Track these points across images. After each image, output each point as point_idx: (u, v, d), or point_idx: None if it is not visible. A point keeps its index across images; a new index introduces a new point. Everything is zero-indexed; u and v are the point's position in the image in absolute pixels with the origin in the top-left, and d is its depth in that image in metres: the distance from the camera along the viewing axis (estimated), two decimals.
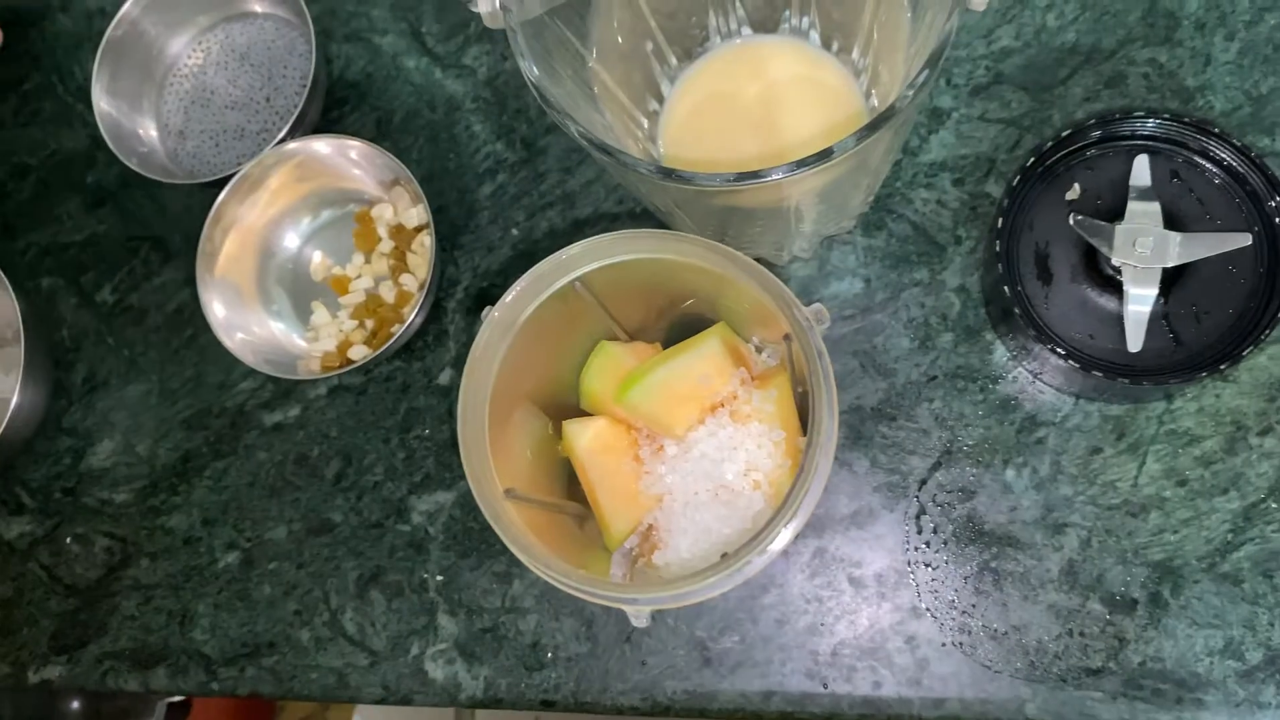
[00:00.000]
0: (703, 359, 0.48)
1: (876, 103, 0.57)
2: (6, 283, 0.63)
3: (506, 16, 0.45)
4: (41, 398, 0.65)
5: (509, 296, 0.44)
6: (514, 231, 0.63)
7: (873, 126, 0.41)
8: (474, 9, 0.45)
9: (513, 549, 0.41)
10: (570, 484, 0.52)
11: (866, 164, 0.48)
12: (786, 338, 0.44)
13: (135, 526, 0.65)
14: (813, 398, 0.41)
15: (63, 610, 0.64)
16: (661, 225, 0.61)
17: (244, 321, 0.61)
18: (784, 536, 0.39)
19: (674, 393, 0.48)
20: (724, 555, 0.43)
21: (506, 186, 0.64)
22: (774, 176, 0.41)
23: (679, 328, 0.54)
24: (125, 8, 0.66)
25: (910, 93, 0.41)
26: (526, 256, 0.63)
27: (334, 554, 0.62)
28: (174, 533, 0.64)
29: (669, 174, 0.43)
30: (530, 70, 0.45)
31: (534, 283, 0.45)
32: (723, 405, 0.49)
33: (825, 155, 0.41)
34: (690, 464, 0.48)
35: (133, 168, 0.64)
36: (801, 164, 0.41)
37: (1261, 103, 0.57)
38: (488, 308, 0.45)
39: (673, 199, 0.49)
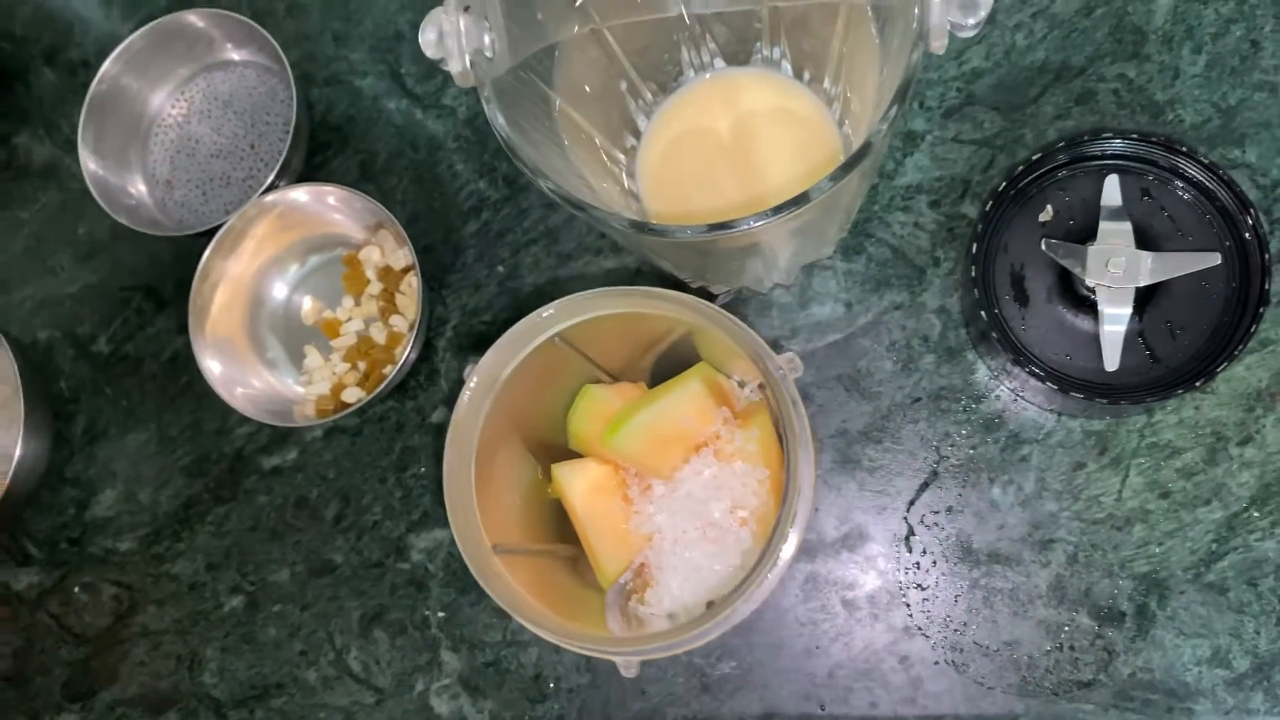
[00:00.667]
0: (685, 401, 0.49)
1: (849, 129, 0.58)
2: (2, 338, 0.64)
3: (477, 74, 0.45)
4: (43, 450, 0.66)
5: (489, 357, 0.45)
6: (500, 269, 0.64)
7: (847, 166, 0.42)
8: (445, 68, 0.45)
9: (505, 608, 0.42)
10: (561, 524, 0.53)
11: (839, 201, 0.49)
12: (761, 385, 0.45)
13: (141, 574, 0.66)
14: (788, 445, 0.41)
15: (74, 659, 0.66)
16: (644, 261, 0.62)
17: (240, 375, 0.62)
18: (767, 583, 0.40)
19: (658, 435, 0.49)
20: (710, 604, 0.44)
21: (491, 224, 0.65)
22: (747, 225, 0.42)
23: (663, 364, 0.55)
24: (106, 65, 0.66)
25: (883, 127, 0.42)
26: (512, 293, 0.64)
27: (337, 594, 0.63)
28: (179, 579, 0.65)
29: (643, 228, 0.44)
30: (501, 126, 0.46)
31: (512, 343, 0.46)
32: (707, 445, 0.50)
33: (801, 200, 0.41)
34: (678, 503, 0.49)
35: (122, 222, 0.64)
36: (777, 210, 0.42)
37: (1230, 114, 0.57)
38: (469, 367, 0.46)
39: (650, 247, 0.50)
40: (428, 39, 0.46)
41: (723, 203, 0.57)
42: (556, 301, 0.46)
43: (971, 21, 0.41)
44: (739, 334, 0.43)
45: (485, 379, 0.46)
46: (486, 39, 0.45)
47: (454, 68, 0.45)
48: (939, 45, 0.42)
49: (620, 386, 0.53)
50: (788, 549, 0.40)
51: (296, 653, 0.63)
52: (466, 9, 0.45)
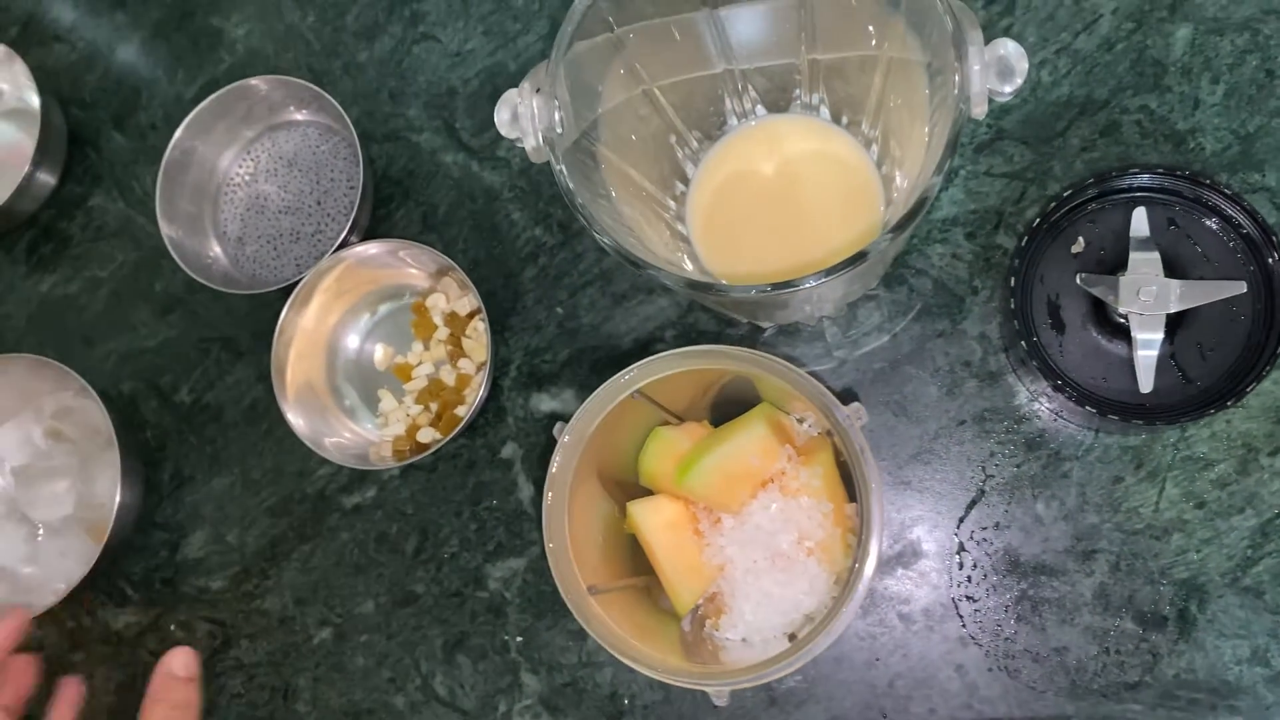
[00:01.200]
0: (751, 441, 0.53)
1: (887, 169, 0.61)
2: (93, 392, 0.69)
3: (551, 149, 0.49)
4: (138, 497, 0.71)
5: (577, 419, 0.49)
6: (558, 310, 0.68)
7: (900, 227, 0.45)
8: (520, 145, 0.49)
9: (605, 646, 0.46)
10: (635, 555, 0.57)
11: (889, 252, 0.52)
12: (828, 433, 0.49)
13: (233, 610, 0.70)
14: (860, 490, 0.45)
15: None
16: (697, 303, 0.65)
17: (324, 425, 0.66)
18: (845, 618, 0.44)
19: (727, 473, 0.52)
20: (792, 636, 0.47)
21: (548, 269, 0.69)
22: (807, 285, 0.45)
23: (723, 401, 0.59)
24: (177, 134, 0.70)
25: (937, 180, 0.45)
26: (571, 333, 0.68)
27: (420, 623, 0.67)
28: (269, 614, 0.69)
29: (704, 288, 0.48)
30: (574, 194, 0.49)
31: (596, 403, 0.49)
32: (772, 480, 0.53)
33: (857, 260, 0.45)
34: (747, 535, 0.52)
35: (200, 281, 0.68)
36: (833, 270, 0.45)
37: (1250, 140, 0.60)
38: (560, 425, 0.50)
39: (708, 301, 0.53)
40: (502, 119, 0.49)
41: (771, 253, 0.61)
42: (636, 364, 0.49)
43: (1009, 89, 0.45)
44: (807, 386, 0.47)
45: (574, 437, 0.50)
46: (557, 116, 0.49)
47: (529, 145, 0.49)
48: (980, 111, 0.45)
49: (687, 427, 0.57)
50: (862, 585, 0.44)
51: (385, 680, 0.67)
52: (538, 91, 0.49)
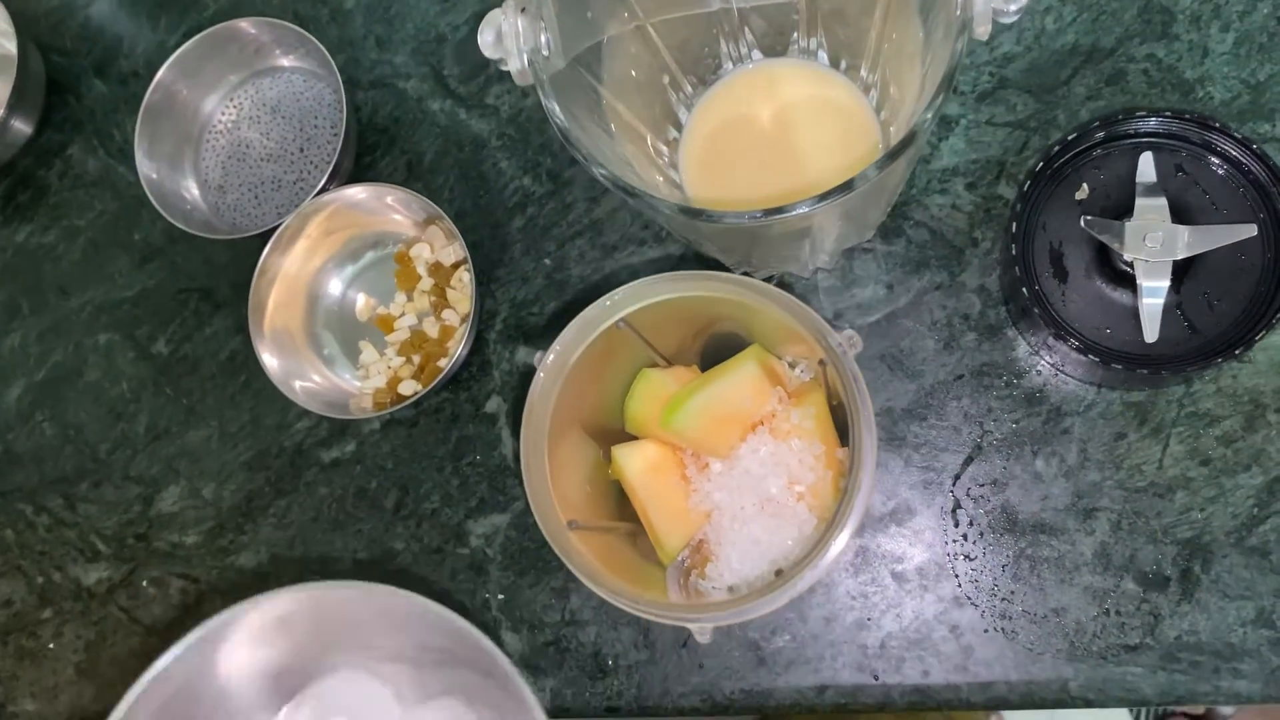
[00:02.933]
0: (741, 382, 0.51)
1: (886, 115, 0.59)
2: None
3: (535, 72, 0.47)
4: None
5: (558, 344, 0.47)
6: (546, 261, 0.66)
7: (893, 154, 0.44)
8: (504, 68, 0.47)
9: (583, 579, 0.44)
10: (621, 502, 0.55)
11: (885, 185, 0.51)
12: (822, 362, 0.47)
13: (207, 567, 0.68)
14: (852, 419, 0.43)
15: (144, 650, 0.68)
16: (687, 248, 0.64)
17: (298, 369, 0.64)
18: (832, 550, 0.42)
19: (715, 415, 0.50)
20: (778, 572, 0.45)
21: (536, 219, 0.67)
22: (798, 211, 0.43)
23: (714, 347, 0.57)
24: (161, 73, 0.68)
25: (929, 115, 0.44)
26: (559, 285, 0.66)
27: (399, 580, 0.65)
28: (244, 570, 0.67)
29: (696, 213, 0.46)
30: (559, 119, 0.47)
31: (581, 328, 0.48)
32: (762, 423, 0.51)
33: (847, 187, 0.43)
34: (735, 480, 0.50)
35: (178, 225, 0.67)
36: (824, 197, 0.43)
37: (1260, 90, 0.59)
38: (539, 354, 0.48)
39: (699, 231, 0.51)
40: (486, 40, 0.47)
41: (764, 191, 0.59)
42: (622, 287, 0.47)
43: (1014, 8, 0.43)
44: (800, 312, 0.45)
45: (556, 363, 0.48)
46: (543, 38, 0.47)
47: (513, 66, 0.47)
48: (983, 31, 0.44)
49: (675, 370, 0.55)
50: (853, 517, 0.42)
51: None
52: (523, 10, 0.47)
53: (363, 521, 0.66)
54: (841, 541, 0.42)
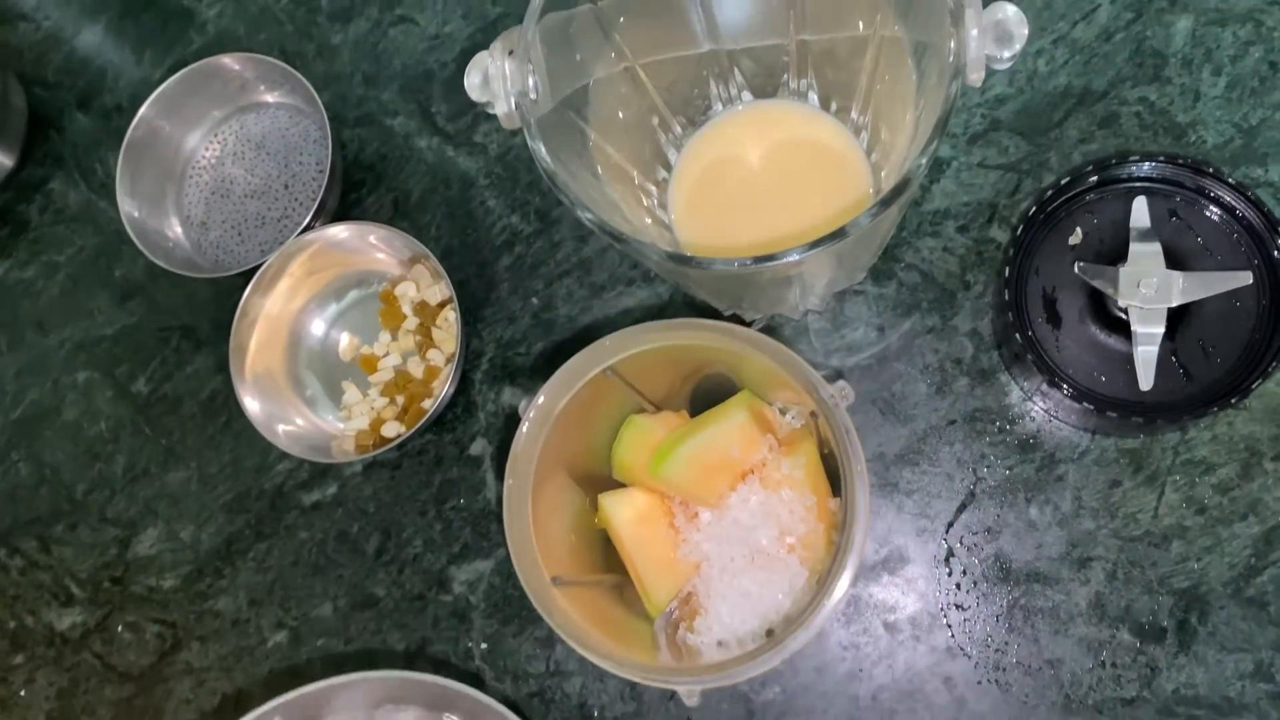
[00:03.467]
0: (730, 430, 0.50)
1: (877, 157, 0.59)
2: None
3: (522, 114, 0.47)
4: None
5: (544, 393, 0.46)
6: (534, 300, 0.65)
7: (886, 201, 0.43)
8: (491, 111, 0.47)
9: (568, 640, 0.43)
10: (608, 552, 0.54)
11: (877, 230, 0.50)
12: (814, 414, 0.46)
13: (184, 611, 0.66)
14: (844, 474, 0.42)
15: (118, 698, 0.66)
16: (677, 291, 0.63)
17: (280, 412, 0.63)
18: (824, 612, 0.41)
19: (704, 464, 0.49)
20: (769, 632, 0.44)
21: (524, 258, 0.66)
22: (790, 258, 0.43)
23: (703, 391, 0.56)
24: (143, 109, 0.68)
25: (923, 161, 0.43)
26: (547, 325, 0.65)
27: (380, 627, 0.63)
28: (222, 615, 0.66)
29: (685, 260, 0.45)
30: (546, 163, 0.47)
31: (567, 376, 0.47)
32: (753, 472, 0.50)
33: (839, 235, 0.42)
34: (725, 530, 0.49)
35: (159, 263, 0.65)
36: (816, 244, 0.42)
37: (1252, 134, 0.58)
38: (525, 401, 0.47)
39: (689, 277, 0.51)
40: (473, 83, 0.47)
41: (754, 233, 0.58)
42: (610, 335, 0.46)
43: (1007, 54, 0.42)
44: (791, 363, 0.44)
45: (541, 412, 0.47)
46: (530, 81, 0.47)
47: (500, 110, 0.47)
48: (976, 78, 0.43)
49: (663, 416, 0.54)
50: (846, 575, 0.41)
51: None
52: (510, 53, 0.46)
53: (343, 566, 0.65)
54: (834, 601, 0.41)
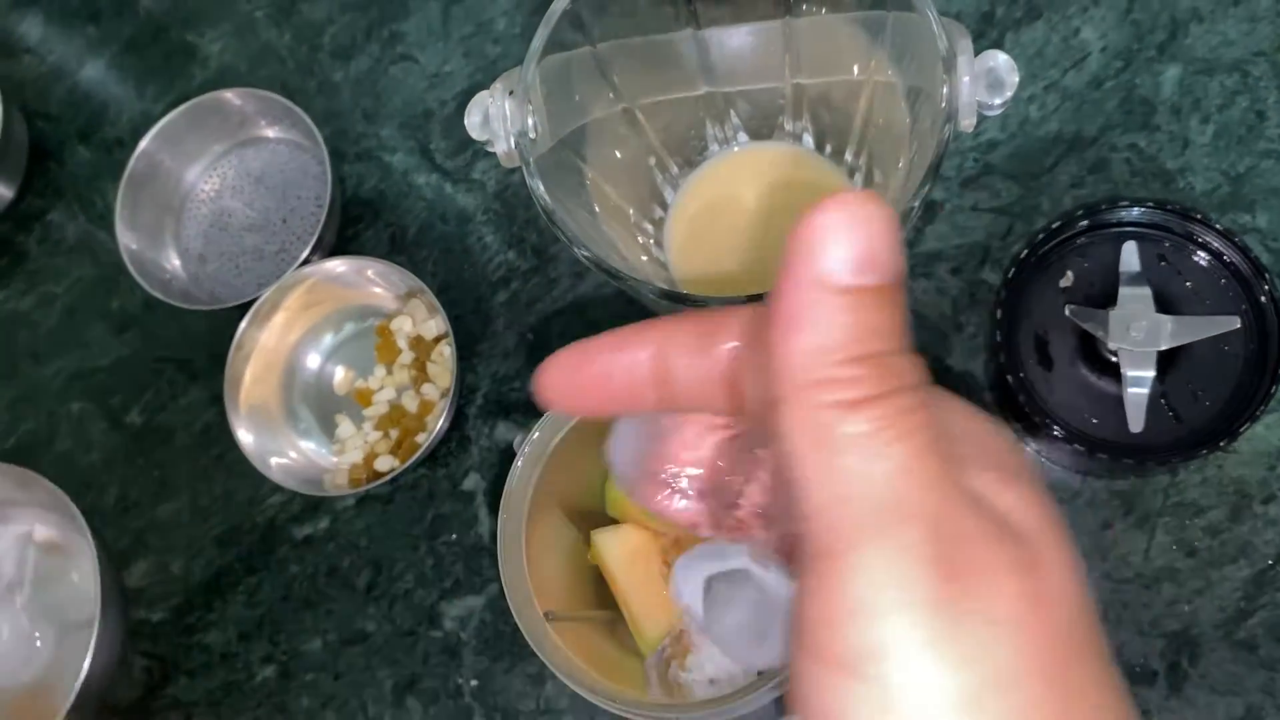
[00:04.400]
0: None
1: None
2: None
3: (521, 153, 0.47)
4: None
5: (539, 429, 0.46)
6: (529, 336, 0.66)
7: None
8: (490, 149, 0.47)
9: (560, 675, 0.43)
10: (600, 588, 0.54)
11: None
12: None
13: (172, 644, 0.66)
14: None
15: None
16: None
17: (274, 445, 0.63)
18: None
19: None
20: (760, 672, 0.44)
21: (520, 294, 0.66)
22: None
23: None
24: (145, 142, 0.68)
25: (915, 204, 0.44)
26: (542, 361, 0.65)
27: (369, 663, 0.63)
28: (211, 649, 0.65)
29: (681, 298, 0.45)
30: (545, 201, 0.47)
31: (558, 415, 0.47)
32: None
33: None
34: None
35: (157, 295, 0.66)
36: None
37: (1240, 181, 0.59)
38: (519, 438, 0.47)
39: None
40: (473, 122, 0.47)
41: (749, 272, 0.59)
42: None
43: (998, 101, 0.43)
44: None
45: (536, 448, 0.47)
46: (530, 120, 0.47)
47: (499, 149, 0.47)
48: (968, 124, 0.44)
49: None
50: None
51: None
52: (510, 93, 0.47)
53: (334, 601, 0.64)
54: None
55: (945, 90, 0.44)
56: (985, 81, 0.43)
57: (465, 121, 0.47)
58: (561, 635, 0.45)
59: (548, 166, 0.49)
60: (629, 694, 0.42)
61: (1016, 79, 0.43)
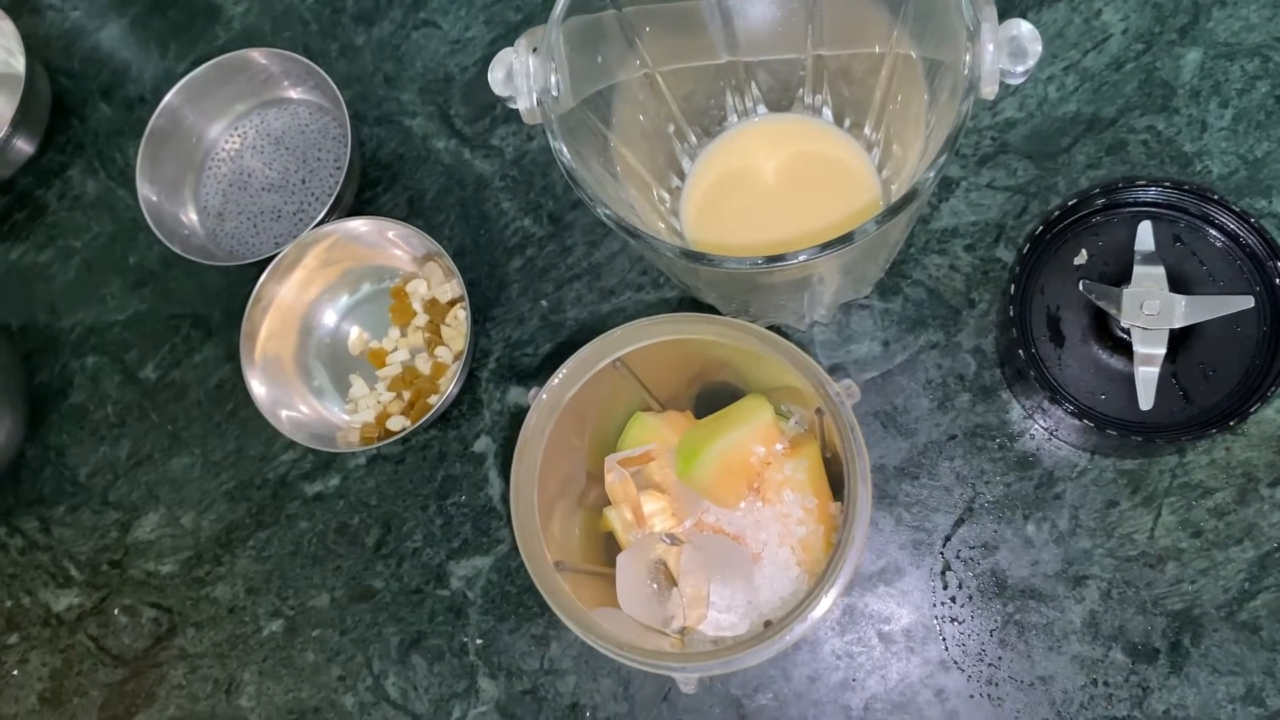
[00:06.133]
0: (758, 430, 0.50)
1: (888, 174, 0.60)
2: None
3: (544, 111, 0.48)
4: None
5: (555, 379, 0.47)
6: (543, 303, 0.66)
7: (894, 210, 0.44)
8: (512, 106, 0.47)
9: (567, 622, 0.43)
10: (610, 547, 0.54)
11: (885, 241, 0.51)
12: (818, 411, 0.47)
13: (181, 597, 0.67)
14: (847, 470, 0.43)
15: (111, 680, 0.66)
16: (686, 296, 0.64)
17: (286, 398, 0.64)
18: (824, 604, 0.41)
19: (729, 465, 0.50)
20: (767, 623, 0.45)
21: (535, 260, 0.67)
22: (798, 259, 0.43)
23: (708, 396, 0.57)
24: (167, 97, 0.69)
25: (930, 175, 0.44)
26: (555, 327, 0.65)
27: (376, 620, 0.64)
28: (219, 603, 0.66)
29: (698, 257, 0.46)
30: (565, 158, 0.48)
31: (578, 365, 0.47)
32: (758, 474, 0.51)
33: (847, 239, 0.43)
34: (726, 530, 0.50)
35: (175, 250, 0.66)
36: (825, 247, 0.43)
37: (1257, 166, 0.59)
38: (534, 389, 0.47)
39: (699, 277, 0.51)
40: (496, 78, 0.48)
41: (765, 242, 0.59)
42: (623, 326, 0.47)
43: (1021, 69, 0.43)
44: (798, 359, 0.45)
45: (550, 400, 0.47)
46: (553, 79, 0.48)
47: (522, 105, 0.48)
48: (990, 91, 0.44)
49: (669, 415, 0.54)
50: (846, 568, 0.41)
51: (334, 678, 0.63)
52: (534, 50, 0.47)
53: (342, 558, 0.65)
54: (834, 594, 0.41)
55: (968, 58, 0.44)
56: (1008, 49, 0.43)
57: (489, 77, 0.47)
58: (570, 588, 0.46)
59: (570, 127, 0.49)
60: (635, 643, 0.42)
61: (1039, 48, 0.43)
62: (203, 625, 0.66)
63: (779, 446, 0.51)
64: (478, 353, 0.66)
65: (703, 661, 0.41)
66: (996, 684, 0.56)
